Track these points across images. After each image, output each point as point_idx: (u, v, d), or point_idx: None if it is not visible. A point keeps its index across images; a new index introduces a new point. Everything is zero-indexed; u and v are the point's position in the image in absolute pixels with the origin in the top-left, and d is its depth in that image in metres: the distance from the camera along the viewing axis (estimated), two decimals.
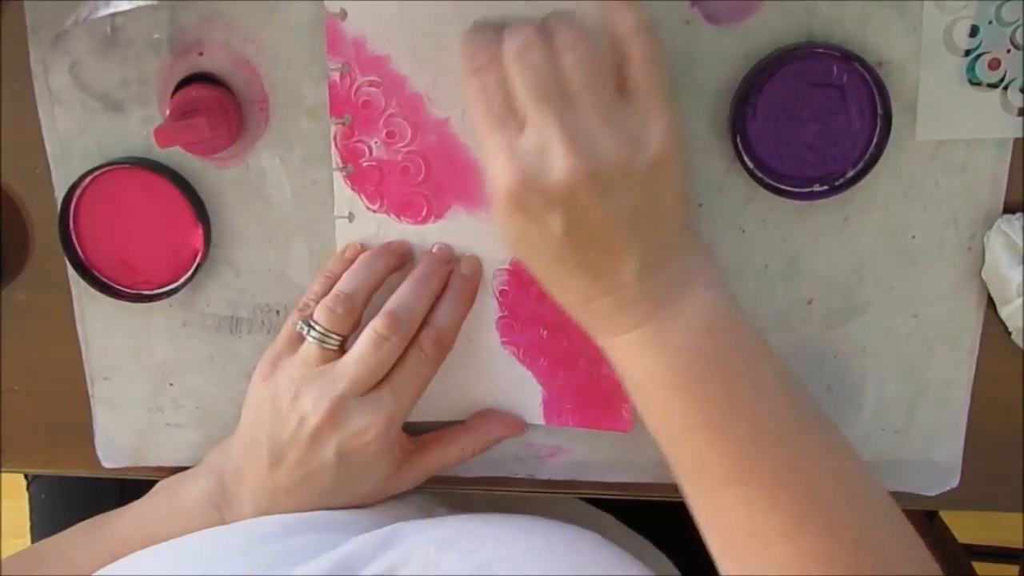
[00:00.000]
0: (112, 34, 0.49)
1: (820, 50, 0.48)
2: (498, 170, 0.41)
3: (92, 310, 0.54)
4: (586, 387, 0.53)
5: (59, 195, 0.52)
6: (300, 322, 0.49)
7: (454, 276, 0.51)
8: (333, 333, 0.48)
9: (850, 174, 0.50)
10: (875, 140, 0.49)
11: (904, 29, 0.48)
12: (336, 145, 0.51)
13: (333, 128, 0.50)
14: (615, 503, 0.58)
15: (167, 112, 0.49)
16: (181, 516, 0.52)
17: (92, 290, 0.53)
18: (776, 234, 0.51)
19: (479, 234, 0.51)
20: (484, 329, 0.53)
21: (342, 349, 0.49)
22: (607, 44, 0.42)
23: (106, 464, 0.57)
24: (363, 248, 0.52)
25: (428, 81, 0.49)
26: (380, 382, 0.48)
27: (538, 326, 0.52)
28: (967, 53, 0.48)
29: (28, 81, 0.50)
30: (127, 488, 0.67)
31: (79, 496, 0.71)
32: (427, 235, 0.52)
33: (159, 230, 0.52)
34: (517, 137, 0.41)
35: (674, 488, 0.55)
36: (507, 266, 0.52)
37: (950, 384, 0.54)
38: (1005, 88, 0.49)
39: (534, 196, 0.41)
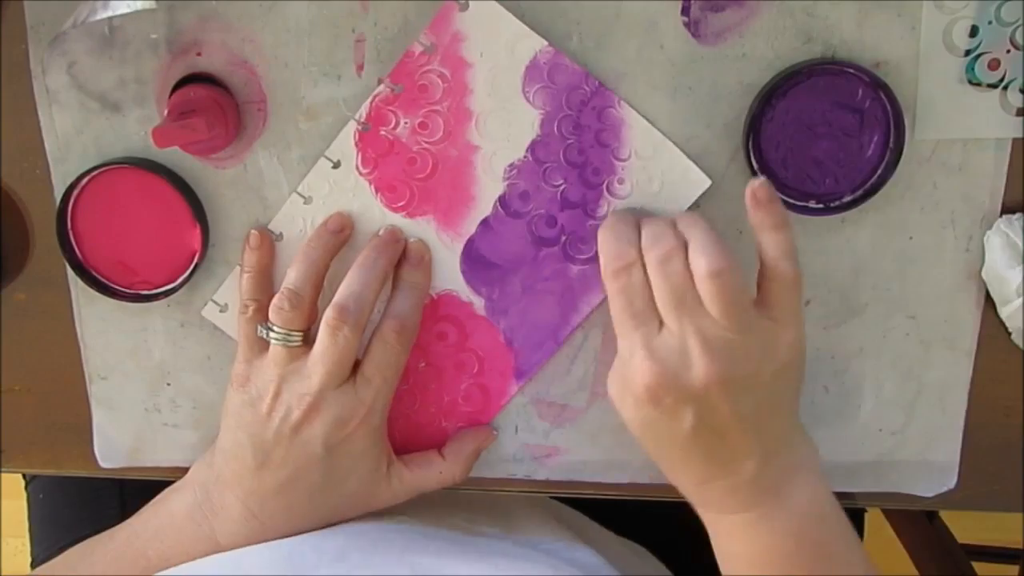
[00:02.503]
0: (110, 34, 0.49)
1: (851, 70, 0.48)
2: (637, 365, 0.44)
3: (90, 310, 0.54)
4: (419, 427, 0.54)
5: (58, 195, 0.52)
6: (260, 326, 0.50)
7: (403, 264, 0.52)
8: (291, 330, 0.49)
9: (847, 199, 0.50)
10: (879, 172, 0.49)
11: (902, 29, 0.48)
12: (372, 102, 0.50)
13: (380, 87, 0.50)
14: (610, 504, 0.58)
15: (165, 112, 0.49)
16: (170, 531, 0.52)
17: (90, 290, 0.53)
18: None
19: (431, 250, 0.52)
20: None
21: (307, 342, 0.50)
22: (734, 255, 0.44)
23: (104, 464, 0.57)
24: (266, 234, 0.52)
25: (487, 107, 0.50)
26: (353, 373, 0.50)
27: (421, 357, 0.53)
28: (967, 53, 0.48)
29: (28, 81, 0.50)
30: (127, 487, 0.68)
31: (78, 495, 0.71)
32: (389, 222, 0.52)
33: (157, 230, 0.52)
34: (656, 336, 0.44)
35: (670, 489, 0.55)
36: (433, 294, 0.53)
37: (948, 385, 0.54)
38: (1005, 88, 0.48)
39: (670, 393, 0.44)
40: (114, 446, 0.57)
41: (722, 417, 0.44)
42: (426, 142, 0.50)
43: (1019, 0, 0.47)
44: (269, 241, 0.52)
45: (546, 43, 0.48)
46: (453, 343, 0.53)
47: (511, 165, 0.50)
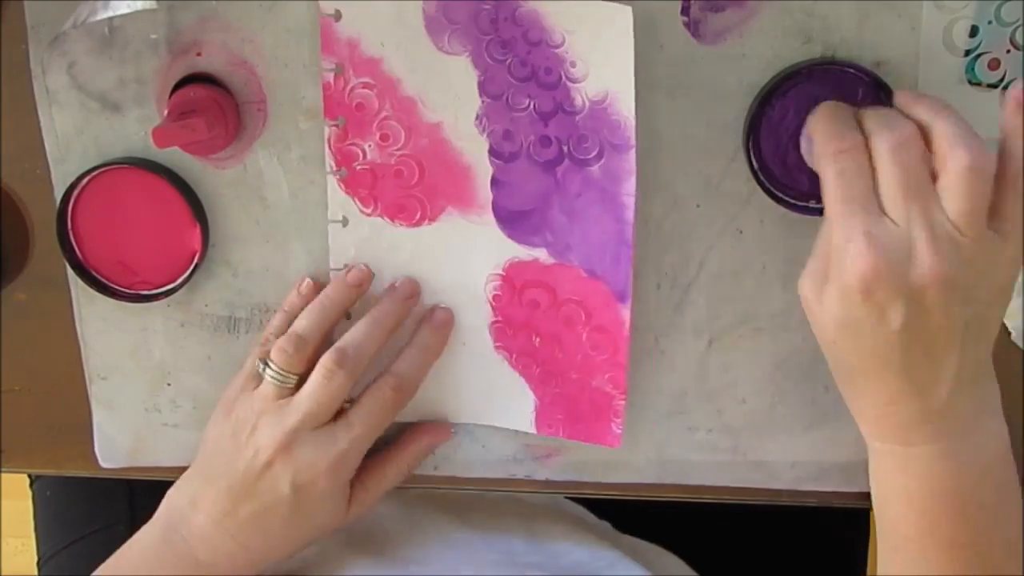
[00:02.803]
0: (110, 34, 0.49)
1: (851, 70, 0.48)
2: (856, 253, 0.40)
3: (90, 310, 0.54)
4: (578, 399, 0.53)
5: (58, 195, 0.52)
6: (258, 360, 0.50)
7: (423, 325, 0.52)
8: (288, 372, 0.49)
9: None
10: None
11: (902, 29, 0.48)
12: (330, 148, 0.51)
13: (327, 130, 0.50)
14: (611, 503, 0.58)
15: (165, 112, 0.49)
16: (151, 559, 0.51)
17: (90, 290, 0.53)
18: (774, 234, 0.51)
19: (472, 236, 0.51)
20: (477, 333, 0.53)
21: (299, 386, 0.50)
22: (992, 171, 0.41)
23: (104, 464, 0.57)
24: (318, 284, 0.52)
25: (420, 84, 0.49)
26: (336, 417, 0.50)
27: (531, 333, 0.52)
28: (967, 53, 0.48)
29: (28, 81, 0.50)
30: (135, 484, 0.67)
31: (86, 492, 0.71)
32: (421, 238, 0.52)
33: (157, 230, 0.52)
34: (877, 223, 0.41)
35: (670, 489, 0.55)
36: (500, 271, 0.52)
37: None
38: (1005, 88, 0.48)
39: (886, 286, 0.40)
40: (114, 446, 0.57)
41: (934, 323, 0.41)
42: (397, 150, 0.50)
43: (1019, 0, 0.47)
44: (313, 295, 0.52)
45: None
46: (547, 304, 0.52)
47: (477, 117, 0.49)
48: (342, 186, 0.51)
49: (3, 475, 0.61)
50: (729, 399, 0.54)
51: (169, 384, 0.55)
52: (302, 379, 0.49)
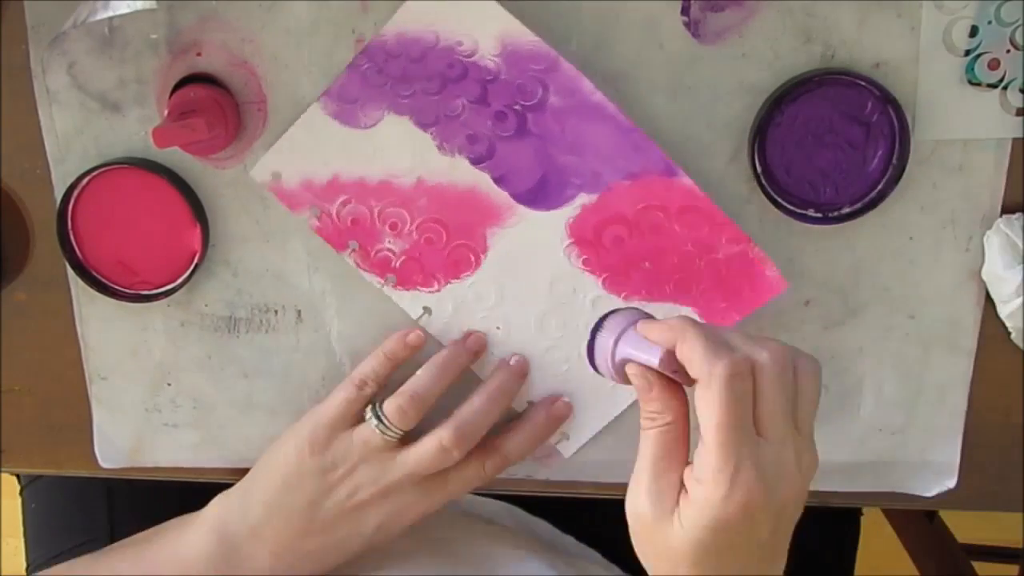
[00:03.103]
0: (110, 34, 0.49)
1: (862, 82, 0.48)
2: (743, 481, 0.41)
3: (90, 310, 0.54)
4: (723, 278, 0.51)
5: (59, 195, 0.52)
6: (368, 410, 0.50)
7: (543, 412, 0.53)
8: (401, 430, 0.50)
9: (846, 210, 0.50)
10: (880, 186, 0.49)
11: (902, 29, 0.48)
12: (365, 270, 0.52)
13: (349, 260, 0.52)
14: (605, 503, 0.58)
15: (165, 112, 0.49)
16: (180, 570, 0.51)
17: (90, 290, 0.53)
18: (773, 235, 0.51)
19: (525, 235, 0.51)
20: (601, 302, 0.52)
21: (402, 438, 0.51)
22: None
23: (104, 465, 0.57)
24: (425, 335, 0.52)
25: (379, 164, 0.50)
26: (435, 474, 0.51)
27: (637, 264, 0.51)
28: (967, 53, 0.48)
29: (28, 81, 0.50)
30: (115, 493, 0.67)
31: (67, 505, 0.70)
32: (489, 271, 0.52)
33: (157, 230, 0.52)
34: (758, 450, 0.41)
35: None
36: (570, 239, 0.51)
37: (948, 385, 0.54)
38: (1004, 88, 0.48)
39: (765, 508, 0.41)
40: (114, 446, 0.57)
41: (785, 529, 0.43)
42: (412, 227, 0.51)
43: (1019, 0, 0.47)
44: (421, 345, 0.52)
45: (317, 104, 0.49)
46: (627, 231, 0.51)
47: (438, 148, 0.50)
48: (400, 288, 0.52)
49: (3, 475, 0.61)
50: None
51: (169, 384, 0.55)
52: (407, 433, 0.50)
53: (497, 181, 0.51)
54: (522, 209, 0.51)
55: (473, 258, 0.52)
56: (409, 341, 0.52)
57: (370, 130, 0.50)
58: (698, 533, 0.41)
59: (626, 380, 0.45)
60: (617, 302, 0.52)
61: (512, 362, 0.53)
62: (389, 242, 0.52)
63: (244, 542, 0.51)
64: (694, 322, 0.43)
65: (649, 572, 0.45)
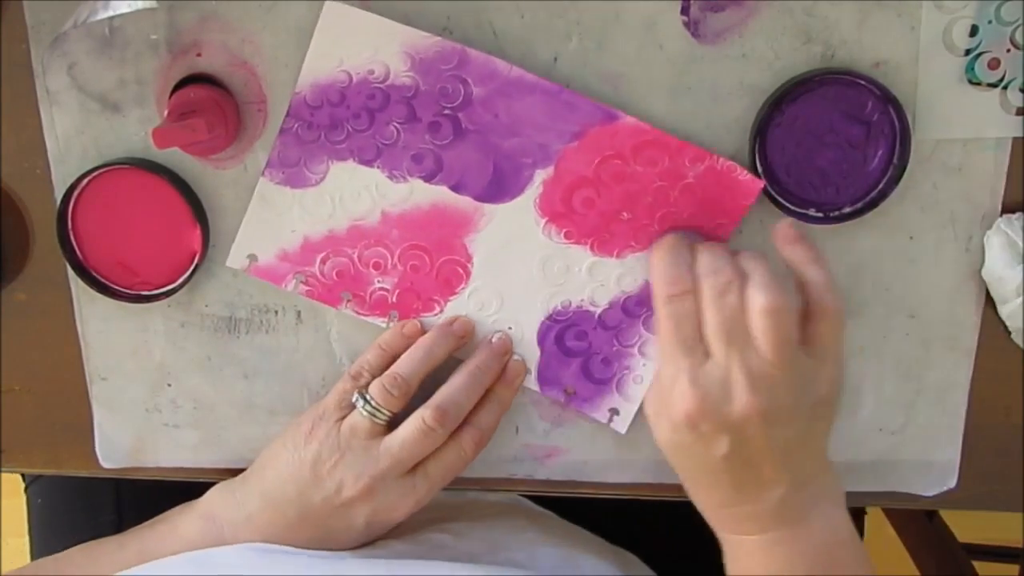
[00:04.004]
0: (110, 35, 0.49)
1: (862, 81, 0.48)
2: (680, 391, 0.45)
3: (90, 310, 0.54)
4: (699, 200, 0.50)
5: (59, 196, 0.52)
6: (356, 393, 0.50)
7: (500, 381, 0.53)
8: (386, 410, 0.50)
9: (846, 210, 0.50)
10: (881, 186, 0.49)
11: (902, 29, 0.48)
12: (366, 314, 0.53)
13: (346, 311, 0.53)
14: (608, 504, 0.58)
15: (165, 113, 0.49)
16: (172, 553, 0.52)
17: (90, 290, 0.53)
18: None
19: (500, 230, 0.51)
20: (601, 281, 0.52)
21: (389, 424, 0.50)
22: (793, 294, 0.45)
23: (105, 465, 0.57)
24: (423, 327, 0.53)
25: (342, 214, 0.51)
26: (416, 465, 0.51)
27: (617, 215, 0.51)
28: (967, 53, 0.48)
29: (28, 81, 0.50)
30: (123, 491, 0.67)
31: (75, 500, 0.71)
32: (482, 276, 0.52)
33: (157, 231, 0.52)
34: (702, 364, 0.45)
35: (670, 488, 0.55)
36: (543, 219, 0.51)
37: (948, 385, 0.54)
38: (1005, 88, 0.48)
39: (708, 421, 0.44)
40: (115, 446, 0.57)
41: (756, 448, 0.45)
42: (395, 260, 0.52)
43: (1019, 0, 0.47)
44: (419, 335, 0.53)
45: (264, 179, 0.51)
46: (595, 190, 0.50)
47: (391, 179, 0.51)
48: (390, 324, 0.53)
49: (3, 475, 0.61)
50: None
51: (169, 384, 0.55)
52: (393, 417, 0.50)
53: (455, 189, 0.51)
54: (488, 207, 0.51)
55: (461, 270, 0.52)
56: (405, 332, 0.52)
57: (321, 185, 0.51)
58: (663, 436, 0.47)
59: None
60: (612, 263, 0.52)
61: (493, 340, 0.53)
62: (379, 281, 0.52)
63: (235, 528, 0.51)
64: (665, 242, 0.48)
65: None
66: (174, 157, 0.51)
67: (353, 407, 0.51)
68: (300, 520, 0.51)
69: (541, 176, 0.50)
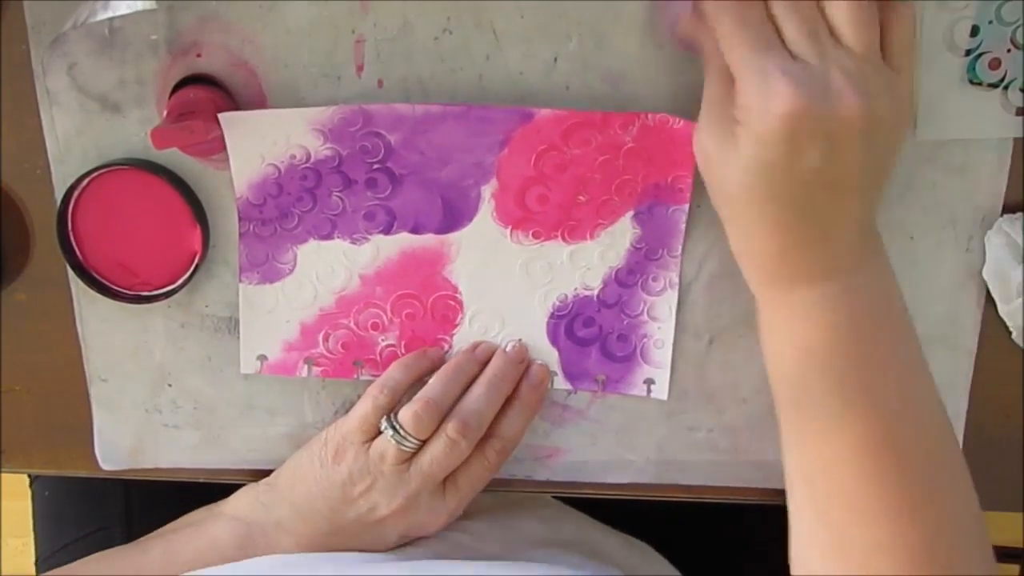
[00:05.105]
0: (110, 35, 0.49)
1: None
2: (778, 92, 0.39)
3: (90, 311, 0.54)
4: (648, 160, 0.50)
5: (59, 196, 0.52)
6: (384, 421, 0.50)
7: (524, 384, 0.53)
8: (416, 439, 0.50)
9: None
10: None
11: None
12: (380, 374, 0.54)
13: (366, 376, 0.54)
14: (611, 504, 0.58)
15: (165, 113, 0.49)
16: (214, 556, 0.52)
17: (90, 291, 0.53)
18: None
19: (476, 256, 0.52)
20: (576, 268, 0.52)
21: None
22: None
23: (105, 466, 0.57)
24: (445, 353, 0.53)
25: (327, 293, 0.53)
26: (446, 479, 0.51)
27: (574, 199, 0.50)
28: (967, 53, 0.48)
29: (28, 81, 0.50)
30: (132, 486, 0.68)
31: (82, 493, 0.71)
32: (473, 301, 0.53)
33: (157, 231, 0.52)
34: (793, 64, 0.40)
35: (671, 489, 0.55)
36: (506, 231, 0.51)
37: (948, 385, 0.54)
38: (1005, 88, 0.48)
39: (808, 124, 0.39)
40: (115, 447, 0.57)
41: (847, 160, 0.40)
42: (390, 314, 0.53)
43: (1019, 0, 0.47)
44: (442, 360, 0.53)
45: (242, 285, 0.53)
46: (542, 194, 0.50)
47: (353, 242, 0.52)
48: (381, 357, 0.54)
49: (3, 475, 0.61)
50: (729, 399, 0.54)
51: (170, 385, 0.55)
52: (421, 444, 0.50)
53: (415, 231, 0.52)
54: (452, 236, 0.52)
55: (453, 302, 0.53)
56: (430, 353, 0.53)
57: (295, 271, 0.52)
58: (749, 151, 0.41)
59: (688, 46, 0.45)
60: (589, 245, 0.52)
61: (508, 348, 0.53)
62: (383, 340, 0.53)
63: (272, 532, 0.52)
64: None
65: (716, 209, 0.46)
66: (174, 158, 0.51)
67: (379, 431, 0.51)
68: (332, 533, 0.51)
69: (488, 191, 0.51)
